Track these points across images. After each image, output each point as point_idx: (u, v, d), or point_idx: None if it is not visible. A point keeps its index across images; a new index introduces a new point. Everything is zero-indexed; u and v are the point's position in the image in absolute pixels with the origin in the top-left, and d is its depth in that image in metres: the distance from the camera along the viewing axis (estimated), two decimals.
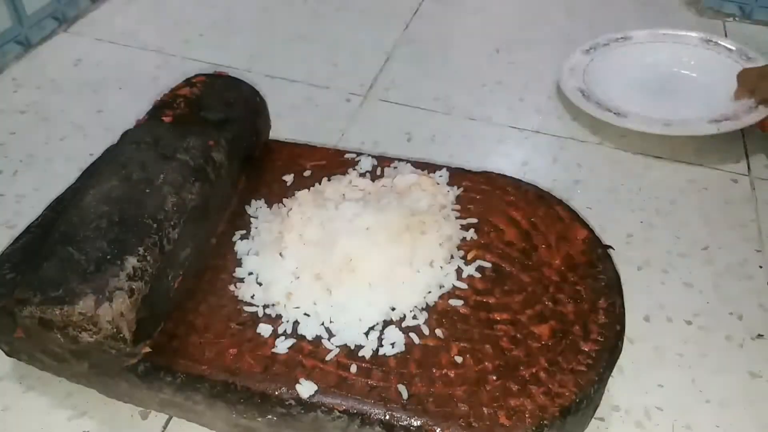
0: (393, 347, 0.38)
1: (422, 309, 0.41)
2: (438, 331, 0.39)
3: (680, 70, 0.72)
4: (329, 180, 0.49)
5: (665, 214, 0.57)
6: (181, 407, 0.39)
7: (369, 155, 0.51)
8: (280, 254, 0.42)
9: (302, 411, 0.36)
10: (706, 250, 0.54)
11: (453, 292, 0.42)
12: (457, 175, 0.50)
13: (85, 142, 0.64)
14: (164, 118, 0.45)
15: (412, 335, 0.39)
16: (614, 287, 0.42)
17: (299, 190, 0.47)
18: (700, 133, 0.61)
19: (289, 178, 0.49)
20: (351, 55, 0.78)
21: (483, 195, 0.48)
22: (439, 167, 0.51)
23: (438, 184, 0.48)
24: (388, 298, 0.40)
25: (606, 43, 0.74)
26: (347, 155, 0.52)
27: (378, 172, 0.50)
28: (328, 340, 0.39)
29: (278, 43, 0.80)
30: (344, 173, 0.50)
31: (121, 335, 0.35)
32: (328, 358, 0.38)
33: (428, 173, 0.49)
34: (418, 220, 0.43)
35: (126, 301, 0.35)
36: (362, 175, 0.50)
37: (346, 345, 0.38)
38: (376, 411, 0.35)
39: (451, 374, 0.37)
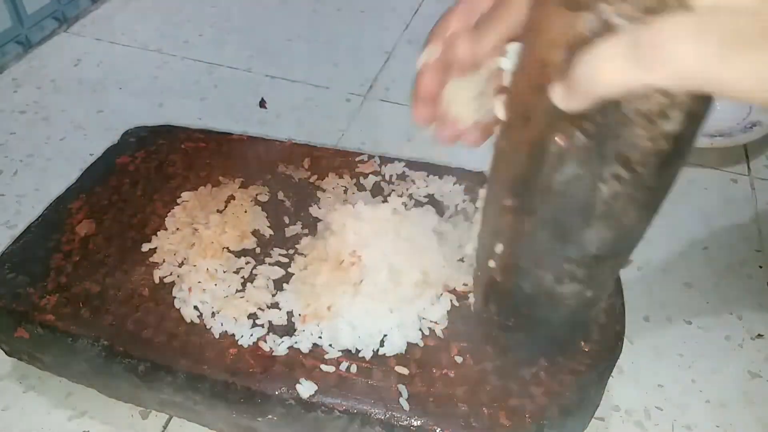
0: (393, 347, 0.38)
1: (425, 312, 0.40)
2: (438, 331, 0.39)
3: None
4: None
5: (665, 214, 0.57)
6: (181, 407, 0.39)
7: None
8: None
9: (302, 411, 0.36)
10: (706, 250, 0.54)
11: (453, 291, 0.42)
12: (458, 175, 0.50)
13: (85, 142, 0.64)
14: None
15: (412, 335, 0.39)
16: (614, 287, 0.42)
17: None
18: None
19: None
20: (351, 55, 0.78)
21: None
22: (440, 167, 0.51)
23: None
24: (399, 310, 0.40)
25: None
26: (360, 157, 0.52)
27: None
28: (330, 346, 0.39)
29: (278, 43, 0.80)
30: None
31: None
32: (328, 357, 0.38)
33: (428, 174, 0.50)
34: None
35: None
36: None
37: (347, 348, 0.39)
38: (376, 411, 0.35)
39: (451, 374, 0.37)
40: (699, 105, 0.24)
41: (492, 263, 0.33)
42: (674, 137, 0.24)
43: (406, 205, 0.47)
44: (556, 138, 0.26)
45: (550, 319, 0.34)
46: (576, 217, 0.28)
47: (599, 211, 0.27)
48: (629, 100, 0.23)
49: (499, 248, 0.33)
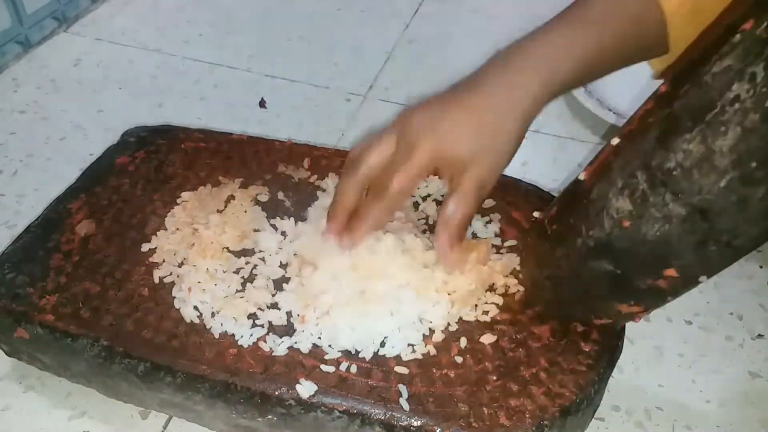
0: (393, 348, 0.38)
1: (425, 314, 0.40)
2: (438, 332, 0.39)
3: None
4: None
5: None
6: (181, 407, 0.39)
7: None
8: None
9: (302, 411, 0.36)
10: None
11: (453, 293, 0.42)
12: None
13: (85, 142, 0.64)
14: None
15: (412, 336, 0.39)
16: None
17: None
18: None
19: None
20: (351, 55, 0.78)
21: None
22: None
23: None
24: (399, 311, 0.40)
25: None
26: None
27: None
28: (330, 347, 0.39)
29: (278, 43, 0.80)
30: None
31: None
32: (327, 357, 0.38)
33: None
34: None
35: None
36: None
37: (346, 349, 0.39)
38: (376, 411, 0.35)
39: (451, 374, 0.37)
40: None
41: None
42: None
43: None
44: (745, 23, 0.25)
45: (579, 239, 0.33)
46: (692, 116, 0.27)
47: (711, 116, 0.26)
48: None
49: (614, 141, 0.32)
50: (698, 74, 0.27)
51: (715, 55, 0.27)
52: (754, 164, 0.26)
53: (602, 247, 0.32)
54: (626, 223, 0.30)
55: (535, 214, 0.40)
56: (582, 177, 0.34)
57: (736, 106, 0.25)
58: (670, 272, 0.31)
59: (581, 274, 0.34)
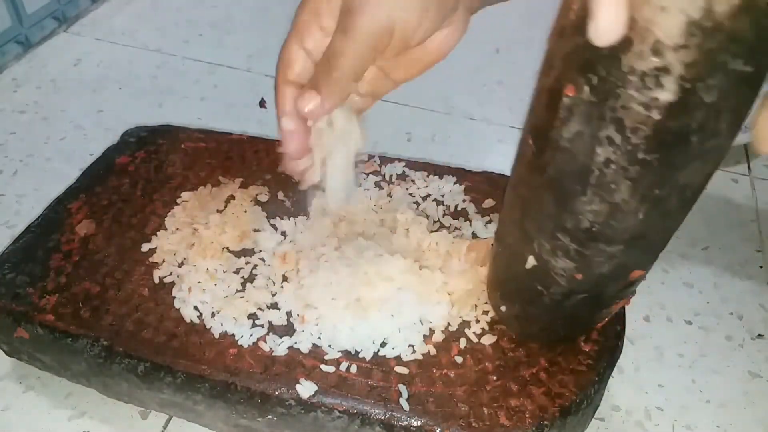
0: (394, 349, 0.38)
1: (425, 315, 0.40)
2: (438, 332, 0.39)
3: None
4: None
5: None
6: (181, 407, 0.39)
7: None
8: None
9: (302, 411, 0.36)
10: (706, 250, 0.54)
11: (453, 293, 0.42)
12: (458, 175, 0.50)
13: (85, 142, 0.64)
14: None
15: (413, 336, 0.39)
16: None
17: None
18: None
19: None
20: None
21: (483, 195, 0.48)
22: (440, 167, 0.51)
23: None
24: (400, 311, 0.40)
25: None
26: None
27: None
28: (329, 347, 0.39)
29: (278, 43, 0.80)
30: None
31: None
32: (327, 358, 0.38)
33: (428, 174, 0.50)
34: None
35: None
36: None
37: (346, 349, 0.39)
38: (376, 411, 0.35)
39: (451, 374, 0.37)
40: (697, 81, 0.23)
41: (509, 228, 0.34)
42: (668, 110, 0.23)
43: (390, 198, 0.47)
44: (566, 88, 0.26)
45: (544, 297, 0.34)
46: (575, 180, 0.28)
47: (594, 179, 0.27)
48: (627, 55, 0.23)
49: (516, 213, 0.33)
50: (552, 139, 0.28)
51: (556, 120, 0.27)
52: (657, 191, 0.27)
53: (570, 293, 0.33)
54: (579, 276, 0.31)
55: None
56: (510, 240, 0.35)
57: (612, 167, 0.26)
58: (636, 274, 0.32)
59: (563, 312, 0.35)
